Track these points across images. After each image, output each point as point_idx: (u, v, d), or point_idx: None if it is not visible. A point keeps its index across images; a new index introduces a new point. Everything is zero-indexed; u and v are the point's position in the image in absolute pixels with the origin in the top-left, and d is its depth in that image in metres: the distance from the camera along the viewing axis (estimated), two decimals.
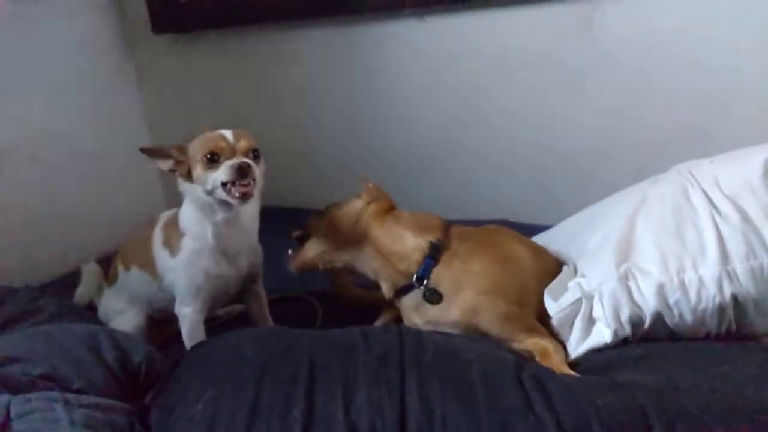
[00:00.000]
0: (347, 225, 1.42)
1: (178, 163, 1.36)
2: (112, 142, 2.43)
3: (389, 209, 1.45)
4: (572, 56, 1.93)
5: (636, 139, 1.92)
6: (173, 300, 1.45)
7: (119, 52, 2.53)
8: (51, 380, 1.10)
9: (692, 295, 1.19)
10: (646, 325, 1.21)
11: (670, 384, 1.04)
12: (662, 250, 1.24)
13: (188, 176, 1.35)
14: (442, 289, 1.33)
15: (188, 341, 1.42)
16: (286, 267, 1.50)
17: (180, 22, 2.43)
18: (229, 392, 1.06)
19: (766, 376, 1.07)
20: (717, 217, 1.25)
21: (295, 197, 2.18)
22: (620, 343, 1.21)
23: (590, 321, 1.25)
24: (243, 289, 1.53)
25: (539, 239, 1.62)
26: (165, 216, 1.51)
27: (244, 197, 1.29)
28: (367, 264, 1.41)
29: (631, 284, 1.23)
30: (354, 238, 1.41)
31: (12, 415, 0.98)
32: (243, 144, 1.32)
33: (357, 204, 1.45)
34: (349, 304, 1.69)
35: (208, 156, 1.30)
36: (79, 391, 1.09)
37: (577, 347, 1.25)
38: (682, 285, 1.20)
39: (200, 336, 1.43)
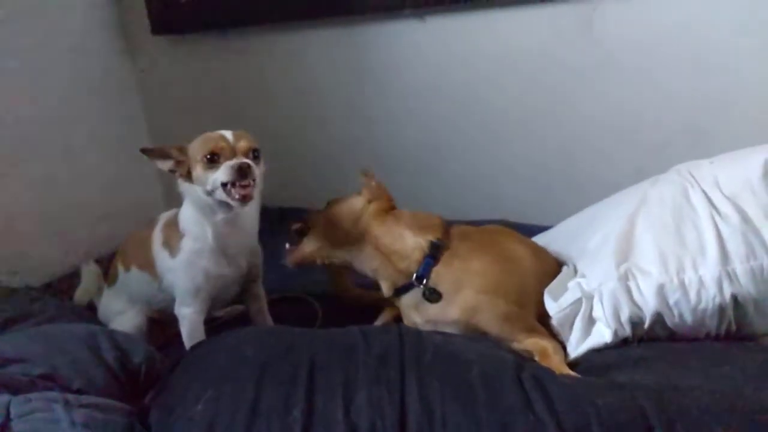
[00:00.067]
0: (346, 222, 1.42)
1: (178, 163, 1.36)
2: (111, 143, 2.43)
3: (389, 208, 1.45)
4: (572, 56, 1.93)
5: (636, 139, 1.92)
6: (173, 300, 1.45)
7: (119, 52, 2.53)
8: (51, 380, 1.10)
9: (692, 295, 1.19)
10: (646, 325, 1.21)
11: (670, 384, 1.04)
12: (662, 250, 1.24)
13: (188, 177, 1.35)
14: (442, 288, 1.33)
15: (188, 342, 1.42)
16: (283, 261, 1.49)
17: (179, 23, 2.43)
18: (228, 392, 1.06)
19: (766, 376, 1.07)
20: (717, 218, 1.25)
21: (295, 197, 2.18)
22: (620, 344, 1.21)
23: (590, 321, 1.25)
24: (243, 290, 1.53)
25: (539, 239, 1.62)
26: (165, 216, 1.51)
27: (244, 200, 1.29)
28: (366, 262, 1.41)
29: (631, 284, 1.23)
30: (353, 235, 1.41)
31: (12, 415, 0.98)
32: (243, 144, 1.32)
33: (357, 202, 1.45)
34: (349, 303, 1.69)
35: (208, 156, 1.30)
36: (79, 392, 1.09)
37: (577, 347, 1.25)
38: (682, 285, 1.20)
39: (200, 336, 1.43)
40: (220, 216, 1.36)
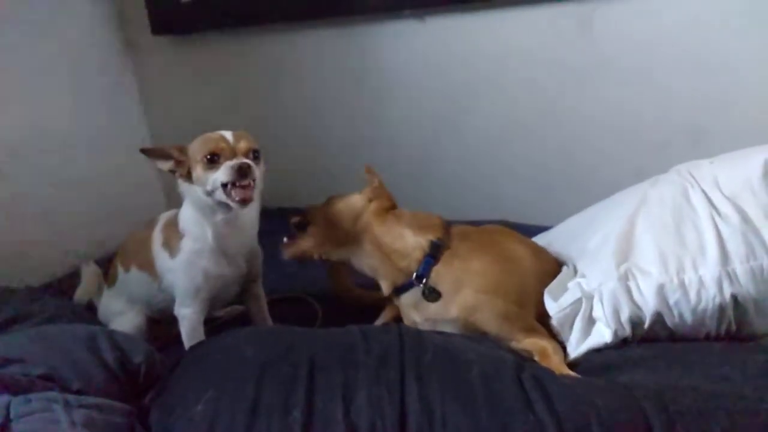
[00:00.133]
0: (346, 220, 1.42)
1: (177, 163, 1.36)
2: (111, 143, 2.43)
3: (390, 208, 1.45)
4: (572, 57, 1.93)
5: (636, 139, 1.92)
6: (173, 301, 1.45)
7: (119, 53, 2.53)
8: (51, 381, 1.10)
9: (692, 295, 1.19)
10: (646, 325, 1.21)
11: (670, 384, 1.04)
12: (662, 250, 1.24)
13: (188, 177, 1.35)
14: (442, 287, 1.33)
15: (188, 342, 1.42)
16: (281, 254, 1.48)
17: (179, 24, 2.43)
18: (229, 392, 1.06)
19: (766, 376, 1.06)
20: (717, 218, 1.25)
21: (295, 198, 2.18)
22: (620, 344, 1.21)
23: (590, 321, 1.25)
24: (243, 290, 1.52)
25: (539, 239, 1.62)
26: (165, 217, 1.51)
27: (244, 203, 1.29)
28: (365, 260, 1.41)
29: (631, 284, 1.23)
30: (352, 233, 1.41)
31: (12, 415, 0.98)
32: (243, 145, 1.32)
33: (358, 200, 1.45)
34: (350, 303, 1.69)
35: (208, 157, 1.30)
36: (78, 392, 1.09)
37: (577, 347, 1.25)
38: (682, 285, 1.20)
39: (200, 337, 1.43)
40: (220, 216, 1.36)
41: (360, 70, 2.25)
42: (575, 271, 1.38)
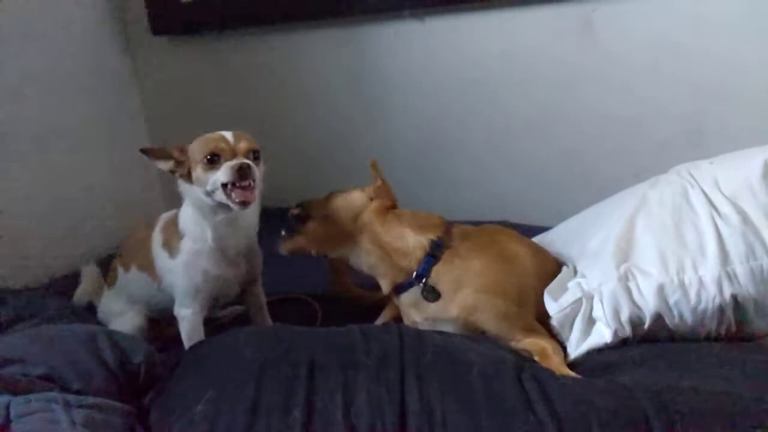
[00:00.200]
0: (346, 217, 1.42)
1: (178, 163, 1.36)
2: (111, 143, 2.43)
3: (391, 207, 1.45)
4: (572, 57, 1.93)
5: (636, 140, 1.92)
6: (172, 301, 1.45)
7: (119, 53, 2.53)
8: (51, 381, 1.10)
9: (692, 295, 1.19)
10: (646, 325, 1.21)
11: (670, 385, 1.04)
12: (662, 250, 1.24)
13: (188, 177, 1.35)
14: (442, 287, 1.33)
15: (188, 342, 1.41)
16: (278, 248, 1.47)
17: (179, 24, 2.43)
18: (228, 393, 1.06)
19: (765, 377, 1.07)
20: (717, 218, 1.25)
21: (295, 198, 2.17)
22: (620, 344, 1.21)
23: (590, 321, 1.25)
24: (243, 290, 1.52)
25: (539, 239, 1.62)
26: (164, 217, 1.51)
27: (244, 204, 1.29)
28: (363, 258, 1.41)
29: (631, 284, 1.23)
30: (351, 230, 1.40)
31: (12, 416, 0.98)
32: (243, 145, 1.32)
33: (359, 197, 1.44)
34: (350, 303, 1.69)
35: (209, 157, 1.30)
36: (78, 392, 1.09)
37: (577, 347, 1.25)
38: (682, 285, 1.20)
39: (199, 337, 1.43)
40: (220, 217, 1.36)
41: (360, 71, 2.25)
42: (575, 271, 1.38)
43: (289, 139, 2.37)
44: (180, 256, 1.40)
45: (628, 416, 0.95)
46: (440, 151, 2.22)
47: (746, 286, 1.18)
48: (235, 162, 1.28)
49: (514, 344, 1.28)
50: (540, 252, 1.47)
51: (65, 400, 1.02)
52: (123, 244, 1.65)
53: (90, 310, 1.70)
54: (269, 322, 1.57)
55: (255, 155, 1.33)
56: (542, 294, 1.33)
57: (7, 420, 0.97)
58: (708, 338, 1.23)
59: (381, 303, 1.55)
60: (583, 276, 1.31)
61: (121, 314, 1.57)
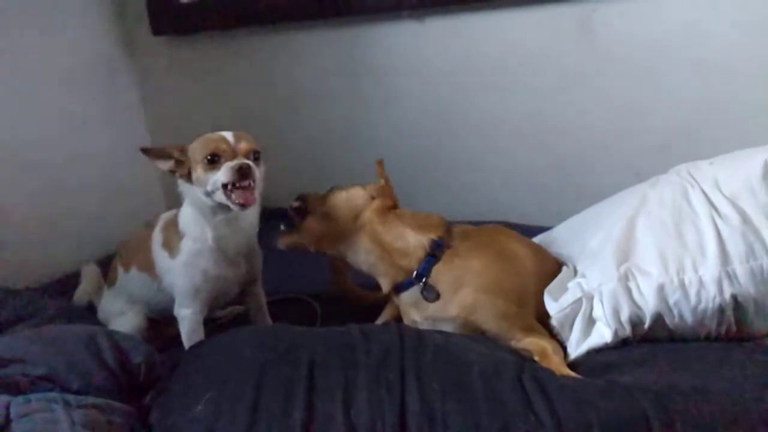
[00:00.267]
0: (346, 214, 1.41)
1: (178, 163, 1.36)
2: (111, 144, 2.43)
3: (392, 207, 1.44)
4: (572, 57, 1.93)
5: (636, 140, 1.92)
6: (172, 301, 1.45)
7: (119, 53, 2.53)
8: (51, 381, 1.10)
9: (692, 295, 1.19)
10: (646, 325, 1.21)
11: (670, 385, 1.04)
12: (662, 250, 1.24)
13: (188, 177, 1.35)
14: (442, 286, 1.33)
15: (188, 343, 1.42)
16: (276, 242, 1.46)
17: (179, 24, 2.44)
18: (229, 393, 1.06)
19: (765, 377, 1.07)
20: (717, 218, 1.25)
21: None
22: (620, 345, 1.21)
23: (590, 321, 1.25)
24: (242, 291, 1.52)
25: (539, 240, 1.62)
26: (165, 217, 1.51)
27: (244, 206, 1.29)
28: (362, 256, 1.40)
29: (631, 284, 1.23)
30: (351, 228, 1.40)
31: (12, 415, 0.98)
32: (243, 145, 1.32)
33: (360, 195, 1.44)
34: (351, 303, 1.68)
35: (209, 157, 1.30)
36: (78, 392, 1.09)
37: (577, 347, 1.25)
38: (682, 285, 1.20)
39: (199, 337, 1.43)
40: (220, 217, 1.36)
41: (359, 71, 2.25)
42: (575, 271, 1.38)
43: (289, 139, 2.37)
44: (180, 256, 1.40)
45: (628, 416, 0.95)
46: (440, 152, 2.22)
47: (746, 286, 1.18)
48: (235, 162, 1.28)
49: (513, 344, 1.28)
50: (540, 252, 1.47)
51: (65, 400, 1.02)
52: (123, 244, 1.65)
53: (90, 310, 1.70)
54: (269, 322, 1.57)
55: (255, 156, 1.33)
56: (542, 294, 1.33)
57: (7, 420, 0.97)
58: (708, 338, 1.22)
59: (381, 303, 1.55)
60: (583, 276, 1.31)
61: (121, 314, 1.57)
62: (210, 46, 2.48)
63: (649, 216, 1.33)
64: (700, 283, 1.19)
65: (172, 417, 1.07)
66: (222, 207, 1.34)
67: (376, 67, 2.21)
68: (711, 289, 1.18)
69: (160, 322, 1.57)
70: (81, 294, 1.75)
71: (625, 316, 1.20)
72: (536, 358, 1.22)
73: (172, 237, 1.43)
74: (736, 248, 1.20)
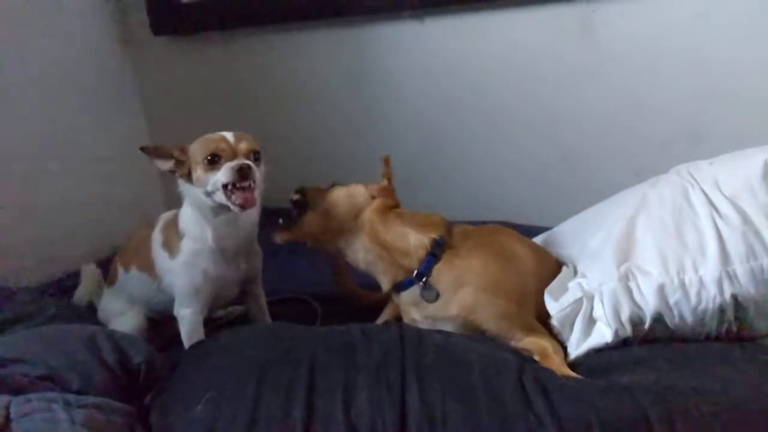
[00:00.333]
0: (346, 212, 1.40)
1: (178, 163, 1.36)
2: (111, 144, 2.43)
3: (393, 207, 1.44)
4: (572, 57, 1.93)
5: (636, 140, 1.92)
6: (172, 301, 1.45)
7: (119, 53, 2.53)
8: (51, 381, 1.10)
9: (692, 295, 1.19)
10: (647, 325, 1.21)
11: (670, 385, 1.04)
12: (662, 250, 1.24)
13: (188, 177, 1.35)
14: (442, 285, 1.33)
15: (188, 343, 1.41)
16: (274, 236, 1.45)
17: (180, 23, 2.44)
18: (229, 393, 1.06)
19: (766, 377, 1.07)
20: (717, 218, 1.25)
21: None
22: (621, 345, 1.21)
23: (591, 321, 1.25)
24: (242, 291, 1.52)
25: (539, 240, 1.62)
26: (165, 217, 1.50)
27: (244, 207, 1.28)
28: (361, 255, 1.40)
29: (632, 284, 1.23)
30: (350, 226, 1.40)
31: (12, 415, 0.98)
32: (244, 146, 1.32)
33: (362, 194, 1.43)
34: (351, 303, 1.68)
35: (209, 157, 1.30)
36: (78, 392, 1.09)
37: (577, 347, 1.25)
38: (683, 285, 1.20)
39: (199, 337, 1.42)
40: (220, 217, 1.36)
41: (360, 71, 2.25)
42: (575, 271, 1.38)
43: (289, 139, 2.37)
44: (180, 256, 1.40)
45: (628, 416, 0.95)
46: (440, 152, 2.22)
47: (746, 286, 1.18)
48: (235, 163, 1.28)
49: (514, 343, 1.27)
50: (540, 252, 1.48)
51: (65, 400, 1.02)
52: (123, 243, 1.65)
53: (90, 310, 1.70)
54: (269, 322, 1.56)
55: (255, 156, 1.33)
56: (542, 294, 1.33)
57: (7, 420, 0.97)
58: (708, 338, 1.23)
59: (381, 303, 1.55)
60: (584, 276, 1.31)
61: (121, 314, 1.56)
62: (210, 46, 2.48)
63: (650, 216, 1.33)
64: (701, 283, 1.19)
65: (172, 417, 1.07)
66: (222, 207, 1.34)
67: (377, 67, 2.21)
68: (711, 289, 1.18)
69: (160, 322, 1.57)
70: (81, 294, 1.75)
71: (625, 315, 1.20)
72: (536, 358, 1.22)
73: (172, 237, 1.43)
74: (736, 248, 1.20)
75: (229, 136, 1.32)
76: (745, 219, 1.23)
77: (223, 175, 1.28)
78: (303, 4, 2.20)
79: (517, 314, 1.30)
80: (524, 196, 2.11)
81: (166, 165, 1.37)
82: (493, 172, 2.15)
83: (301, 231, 1.43)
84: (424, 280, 1.34)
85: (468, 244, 1.38)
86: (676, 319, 1.20)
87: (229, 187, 1.28)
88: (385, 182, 1.45)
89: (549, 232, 1.68)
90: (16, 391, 1.05)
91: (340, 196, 1.43)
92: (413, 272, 1.35)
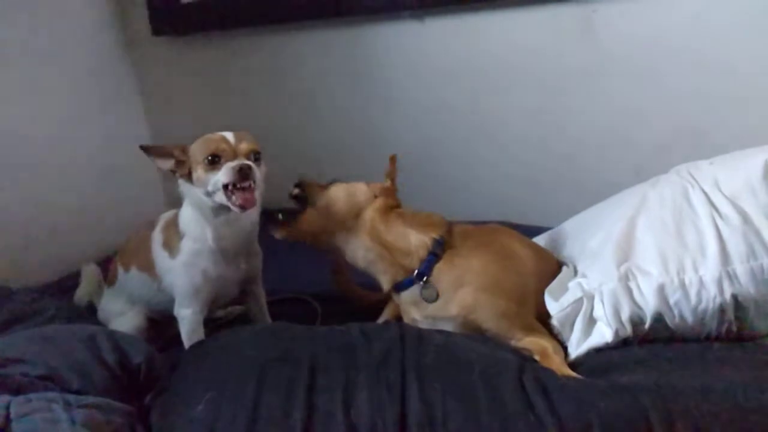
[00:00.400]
0: (347, 209, 1.40)
1: (178, 163, 1.36)
2: (112, 144, 2.42)
3: (394, 206, 1.44)
4: (572, 57, 1.93)
5: (636, 140, 1.92)
6: (172, 301, 1.45)
7: (119, 53, 2.53)
8: (51, 381, 1.10)
9: (693, 295, 1.19)
10: (647, 325, 1.21)
11: (670, 385, 1.04)
12: (662, 250, 1.24)
13: (189, 177, 1.35)
14: (443, 285, 1.33)
15: (188, 343, 1.41)
16: (272, 232, 1.44)
17: (180, 24, 2.44)
18: (229, 393, 1.06)
19: (765, 377, 1.07)
20: (717, 218, 1.25)
21: None
22: (621, 344, 1.21)
23: (591, 321, 1.25)
24: (242, 291, 1.52)
25: (540, 240, 1.62)
26: (165, 217, 1.50)
27: (244, 208, 1.28)
28: (360, 253, 1.39)
29: (632, 284, 1.23)
30: (351, 225, 1.39)
31: (12, 415, 0.98)
32: (244, 146, 1.32)
33: (363, 192, 1.43)
34: (352, 303, 1.68)
35: (209, 157, 1.30)
36: (78, 392, 1.09)
37: (577, 347, 1.25)
38: (683, 285, 1.20)
39: (199, 337, 1.42)
40: (220, 217, 1.36)
41: (360, 71, 2.25)
42: (575, 271, 1.38)
43: (289, 139, 2.36)
44: (180, 256, 1.40)
45: (628, 416, 0.95)
46: (440, 151, 2.22)
47: (747, 286, 1.18)
48: (236, 163, 1.28)
49: (514, 343, 1.27)
50: (540, 252, 1.48)
51: (65, 400, 1.02)
52: (123, 243, 1.65)
53: (90, 310, 1.70)
54: (269, 321, 1.56)
55: (256, 156, 1.33)
56: (542, 293, 1.33)
57: (7, 420, 0.97)
58: (708, 338, 1.23)
59: (382, 303, 1.55)
60: (584, 276, 1.31)
61: (122, 314, 1.56)
62: (210, 46, 2.48)
63: (650, 216, 1.33)
64: (701, 283, 1.19)
65: (172, 417, 1.07)
66: (222, 207, 1.34)
67: (376, 67, 2.21)
68: (711, 289, 1.19)
69: (160, 322, 1.57)
70: (81, 294, 1.75)
71: (625, 315, 1.21)
72: (537, 358, 1.22)
73: (172, 237, 1.43)
74: (736, 248, 1.21)
75: (229, 136, 1.32)
76: (746, 219, 1.23)
77: (223, 175, 1.28)
78: (303, 4, 2.20)
79: (517, 314, 1.30)
80: (524, 195, 2.11)
81: (167, 164, 1.37)
82: (494, 172, 2.15)
83: (301, 228, 1.42)
84: (424, 279, 1.34)
85: (468, 243, 1.38)
86: (677, 319, 1.20)
87: (230, 187, 1.28)
88: (388, 182, 1.45)
89: (549, 232, 1.69)
90: (16, 391, 1.05)
91: (339, 193, 1.43)
92: (414, 272, 1.35)
